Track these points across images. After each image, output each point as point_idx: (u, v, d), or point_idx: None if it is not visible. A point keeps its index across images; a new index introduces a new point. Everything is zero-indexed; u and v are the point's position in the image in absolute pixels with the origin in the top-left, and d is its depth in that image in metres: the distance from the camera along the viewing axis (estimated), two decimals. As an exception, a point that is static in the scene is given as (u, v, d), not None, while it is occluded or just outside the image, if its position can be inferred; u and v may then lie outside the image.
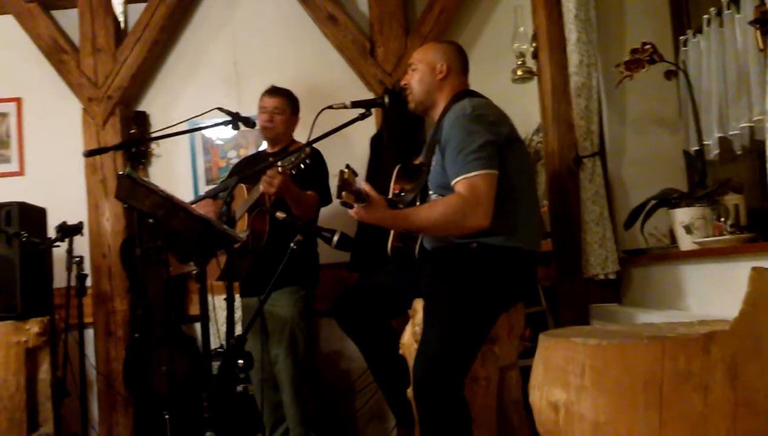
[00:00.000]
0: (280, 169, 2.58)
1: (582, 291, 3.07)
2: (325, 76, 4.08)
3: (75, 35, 4.09)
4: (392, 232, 2.72)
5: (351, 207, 2.24)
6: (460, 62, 2.67)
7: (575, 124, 2.96)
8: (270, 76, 3.87)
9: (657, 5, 3.06)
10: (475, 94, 2.62)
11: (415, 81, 2.64)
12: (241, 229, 3.09)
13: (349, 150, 4.01)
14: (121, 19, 3.80)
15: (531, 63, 3.35)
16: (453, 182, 2.36)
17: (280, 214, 2.30)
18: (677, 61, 2.84)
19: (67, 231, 3.19)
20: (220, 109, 3.27)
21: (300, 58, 4.13)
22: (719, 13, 2.60)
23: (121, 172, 2.12)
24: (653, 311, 2.58)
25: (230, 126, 3.26)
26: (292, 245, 2.22)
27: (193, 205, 3.02)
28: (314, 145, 3.38)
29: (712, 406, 1.14)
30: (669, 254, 2.55)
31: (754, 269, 1.19)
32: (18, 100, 4.11)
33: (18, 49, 4.09)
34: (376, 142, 3.82)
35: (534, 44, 3.25)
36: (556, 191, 3.14)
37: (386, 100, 2.79)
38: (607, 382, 1.21)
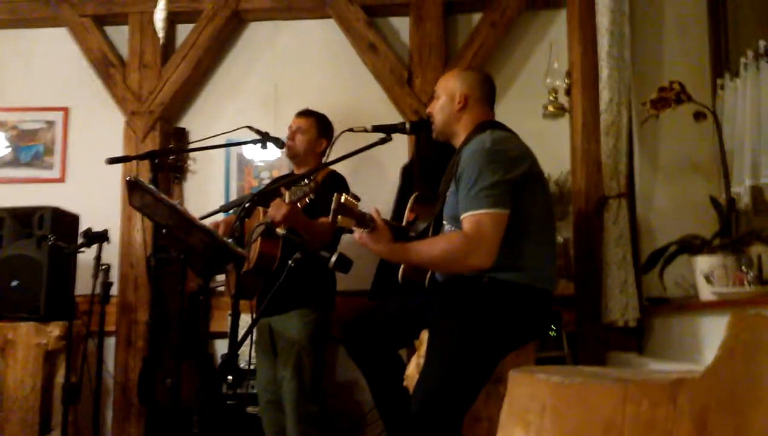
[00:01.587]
0: (287, 199, 2.56)
1: (601, 337, 2.95)
2: (361, 104, 4.10)
3: (124, 51, 4.21)
4: None
5: (350, 232, 2.22)
6: (483, 91, 2.62)
7: (603, 163, 2.88)
8: (308, 101, 3.91)
9: (697, 46, 2.98)
10: (498, 126, 2.57)
11: (437, 110, 2.62)
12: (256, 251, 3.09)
13: (381, 178, 4.01)
14: (160, 35, 3.89)
15: (564, 99, 3.29)
16: (462, 217, 2.32)
17: (279, 231, 2.29)
18: (714, 105, 2.74)
19: (92, 238, 3.24)
20: (249, 127, 3.33)
21: (338, 84, 4.16)
22: (757, 57, 2.51)
23: (128, 178, 2.14)
24: (670, 362, 2.46)
25: (259, 145, 3.33)
26: (290, 262, 2.19)
27: (212, 220, 3.07)
28: (338, 170, 3.42)
29: (674, 458, 1.06)
30: (688, 304, 2.44)
31: (734, 313, 1.10)
32: (65, 110, 4.23)
33: (69, 61, 4.23)
34: (407, 171, 3.80)
35: (567, 81, 3.19)
36: (581, 232, 3.06)
37: (407, 126, 2.78)
38: (567, 424, 1.14)
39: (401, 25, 4.17)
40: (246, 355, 3.72)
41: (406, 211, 2.78)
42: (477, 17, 4.07)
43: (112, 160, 2.69)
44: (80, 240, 3.41)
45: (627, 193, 2.86)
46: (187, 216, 2.13)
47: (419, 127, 2.78)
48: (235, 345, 2.50)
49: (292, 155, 3.44)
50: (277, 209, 2.89)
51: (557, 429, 1.14)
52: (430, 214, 2.71)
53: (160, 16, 3.71)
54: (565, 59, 3.35)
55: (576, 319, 3.07)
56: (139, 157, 2.78)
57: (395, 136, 3.03)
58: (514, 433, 1.21)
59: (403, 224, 2.75)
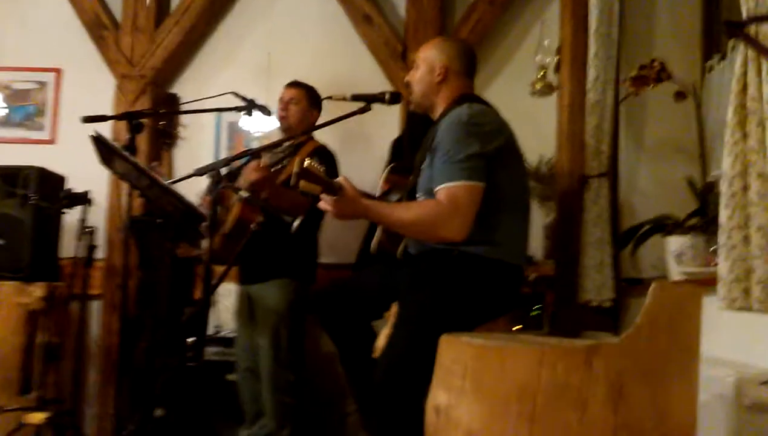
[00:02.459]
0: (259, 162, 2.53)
1: (577, 317, 2.92)
2: (355, 76, 4.06)
3: (119, 14, 4.18)
4: (380, 228, 2.66)
5: (314, 198, 2.18)
6: (463, 63, 2.58)
7: (585, 143, 2.84)
8: (301, 71, 3.89)
9: (688, 26, 2.91)
10: (476, 100, 2.54)
11: (415, 80, 2.58)
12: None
13: (370, 153, 3.98)
14: (149, -2, 3.87)
15: (554, 78, 3.23)
16: (435, 189, 2.28)
17: (242, 193, 2.26)
18: (702, 87, 2.69)
19: (73, 198, 3.24)
20: (235, 94, 3.30)
21: (332, 55, 4.12)
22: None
23: (91, 134, 2.13)
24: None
25: (243, 112, 3.30)
26: (252, 225, 2.17)
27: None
28: (329, 145, 3.40)
29: (588, 426, 1.03)
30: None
31: (657, 282, 1.08)
32: (58, 71, 4.22)
33: (63, 22, 4.19)
34: (396, 146, 3.76)
35: (557, 57, 3.14)
36: (563, 212, 3.02)
37: (387, 96, 2.73)
38: (485, 387, 1.12)
39: (398, -2, 4.11)
40: (229, 323, 3.76)
41: (380, 182, 2.75)
42: (475, -8, 4.01)
43: (88, 119, 2.68)
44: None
45: (609, 173, 2.81)
46: (148, 174, 2.11)
47: (399, 98, 2.74)
48: (202, 308, 2.48)
49: (286, 127, 3.42)
50: (251, 172, 2.87)
51: (476, 392, 1.12)
52: (404, 186, 2.68)
53: (149, -22, 3.67)
54: (557, 37, 3.29)
55: (555, 298, 3.04)
56: (116, 118, 2.77)
57: (387, 110, 3.02)
58: (438, 396, 1.19)
59: (378, 194, 2.72)
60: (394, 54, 3.94)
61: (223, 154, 4.14)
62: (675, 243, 2.24)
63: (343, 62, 4.11)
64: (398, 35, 3.98)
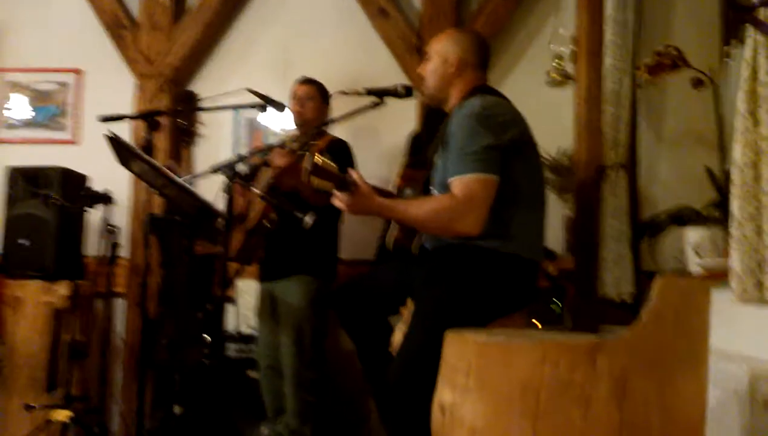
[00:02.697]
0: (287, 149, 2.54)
1: (597, 312, 2.88)
2: (370, 70, 4.05)
3: (137, 12, 4.21)
4: (394, 223, 2.65)
5: (329, 194, 2.17)
6: (477, 55, 2.55)
7: (603, 133, 2.80)
8: (317, 66, 3.91)
9: (707, 12, 2.85)
10: (490, 91, 2.51)
11: (428, 72, 2.56)
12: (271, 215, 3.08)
13: (386, 147, 3.98)
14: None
15: (570, 67, 3.19)
16: (449, 181, 2.27)
17: (255, 190, 2.27)
18: (721, 73, 2.63)
19: (94, 198, 3.28)
20: (249, 90, 3.30)
21: (348, 50, 4.12)
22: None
23: (106, 134, 2.15)
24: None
25: (258, 109, 3.31)
26: (264, 221, 2.18)
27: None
28: (344, 139, 3.41)
29: (592, 423, 1.02)
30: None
31: (662, 277, 1.06)
32: (78, 72, 4.26)
33: (83, 22, 4.23)
34: (414, 140, 3.75)
35: (573, 47, 3.09)
36: (582, 204, 2.98)
37: (400, 90, 2.72)
38: (489, 384, 1.11)
39: (414, -10, 4.10)
40: (249, 320, 3.78)
41: (395, 177, 2.74)
42: (491, -17, 3.97)
43: (105, 119, 2.70)
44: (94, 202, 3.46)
45: (627, 163, 2.76)
46: (163, 172, 2.12)
47: (412, 92, 2.73)
48: (219, 309, 2.50)
49: (302, 122, 3.43)
50: (278, 158, 2.88)
51: (479, 389, 1.11)
52: (419, 181, 2.67)
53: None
54: (573, 25, 3.25)
55: (575, 292, 3.01)
56: (132, 117, 2.78)
57: (403, 103, 3.01)
58: (443, 394, 1.19)
59: (391, 189, 2.71)
60: (410, 48, 3.92)
61: (242, 151, 4.15)
62: (693, 235, 2.20)
63: (358, 56, 4.10)
64: (414, 28, 3.96)
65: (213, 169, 2.78)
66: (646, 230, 2.41)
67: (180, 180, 2.16)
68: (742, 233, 1.34)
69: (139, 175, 2.42)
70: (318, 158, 2.01)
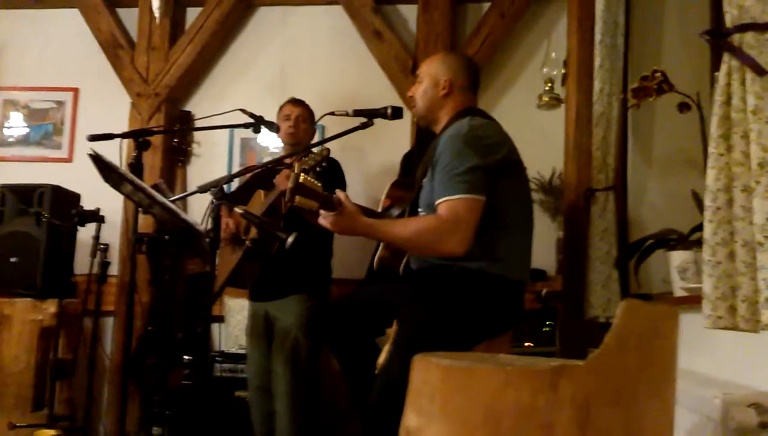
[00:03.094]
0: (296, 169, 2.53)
1: (584, 333, 2.86)
2: (365, 91, 4.06)
3: (135, 33, 4.25)
4: (382, 244, 2.65)
5: (312, 214, 2.17)
6: (467, 77, 2.56)
7: (592, 155, 2.79)
8: (313, 87, 3.93)
9: (696, 36, 2.83)
10: (479, 113, 2.52)
11: (419, 94, 2.56)
12: (254, 235, 3.08)
13: (381, 166, 3.99)
14: (156, 15, 3.91)
15: (561, 90, 3.20)
16: (435, 203, 2.26)
17: (237, 209, 2.26)
18: (710, 97, 2.63)
19: (84, 216, 3.28)
20: (242, 110, 3.31)
21: (344, 71, 4.15)
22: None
23: (89, 153, 2.15)
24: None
25: (251, 129, 3.32)
26: (247, 242, 2.17)
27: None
28: (335, 158, 3.41)
29: (554, 449, 1.00)
30: (663, 300, 2.34)
31: (626, 300, 1.04)
32: (75, 90, 4.28)
33: (80, 42, 4.27)
34: (407, 160, 3.76)
35: (564, 70, 3.10)
36: (570, 226, 2.97)
37: (389, 111, 2.73)
38: (453, 409, 1.09)
39: (410, 12, 4.13)
40: (240, 340, 3.76)
41: (382, 197, 2.74)
42: (486, 6, 4.01)
43: (94, 138, 2.71)
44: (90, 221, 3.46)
45: (616, 186, 2.75)
46: (146, 191, 2.12)
47: (401, 113, 2.74)
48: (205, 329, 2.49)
49: (294, 142, 3.43)
50: (283, 181, 2.88)
51: (443, 414, 1.10)
52: (405, 201, 2.66)
53: (156, -5, 3.72)
54: (565, 49, 3.26)
55: (563, 314, 2.99)
56: (121, 136, 2.78)
57: (398, 123, 3.02)
58: (409, 418, 1.17)
59: (379, 209, 2.70)
60: (405, 69, 3.94)
61: (236, 170, 4.16)
62: (678, 258, 2.18)
63: (354, 78, 4.12)
64: (408, 50, 3.99)
65: (200, 189, 2.79)
66: (631, 252, 2.39)
67: (162, 199, 2.15)
68: (715, 259, 1.32)
69: (124, 194, 2.41)
70: (302, 177, 2.01)
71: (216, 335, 4.02)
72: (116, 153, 3.95)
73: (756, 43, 1.31)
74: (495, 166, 2.28)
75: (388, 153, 3.97)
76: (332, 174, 3.21)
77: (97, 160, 2.13)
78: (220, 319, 3.98)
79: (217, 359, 3.66)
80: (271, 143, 4.18)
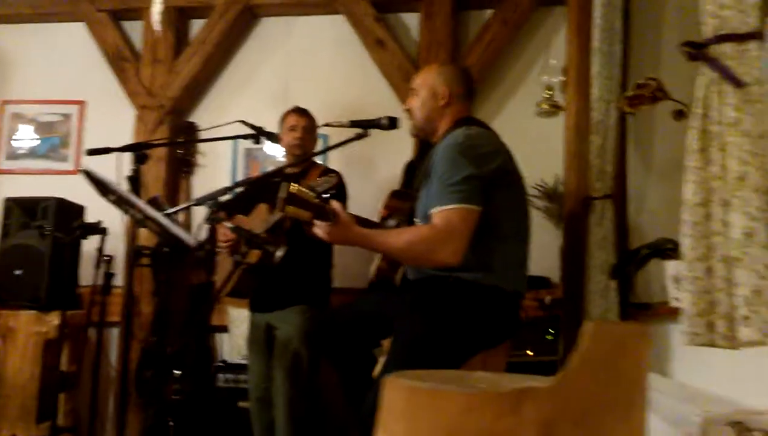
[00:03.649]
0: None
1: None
2: (368, 100, 4.06)
3: (141, 46, 4.27)
4: (378, 254, 2.64)
5: (307, 223, 2.16)
6: (464, 87, 2.56)
7: (590, 163, 2.76)
8: (317, 96, 3.94)
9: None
10: (475, 123, 2.51)
11: (416, 106, 2.55)
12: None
13: (382, 176, 3.98)
14: (157, 29, 3.93)
15: (561, 97, 3.17)
16: (430, 212, 2.25)
17: (227, 224, 2.26)
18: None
19: (87, 229, 3.30)
20: (242, 122, 3.32)
21: (347, 81, 4.15)
22: None
23: (80, 169, 2.16)
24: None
25: (251, 140, 3.32)
26: (235, 256, 2.17)
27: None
28: (337, 170, 3.41)
29: (517, 473, 0.98)
30: (660, 309, 2.31)
31: (590, 322, 1.02)
32: (81, 103, 4.32)
33: (86, 55, 4.31)
34: (408, 170, 3.74)
35: (563, 77, 3.08)
36: (570, 234, 2.94)
37: (385, 122, 2.72)
38: (418, 431, 1.07)
39: (412, 20, 4.13)
40: (244, 350, 3.76)
41: (380, 207, 2.73)
42: (489, 13, 3.99)
43: (92, 152, 2.72)
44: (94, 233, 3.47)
45: (615, 194, 2.72)
46: (135, 205, 2.13)
47: (396, 123, 2.73)
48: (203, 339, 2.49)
49: (300, 153, 3.42)
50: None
51: (409, 435, 1.08)
52: (403, 211, 2.65)
53: (157, 9, 3.74)
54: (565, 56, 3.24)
55: (563, 323, 2.96)
56: (119, 150, 2.79)
57: (400, 134, 3.01)
58: (378, 439, 1.16)
59: (377, 220, 2.69)
60: (407, 77, 3.89)
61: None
62: (672, 267, 2.15)
63: (357, 87, 4.13)
64: (411, 58, 3.98)
65: (197, 202, 2.79)
66: (627, 262, 2.36)
67: (152, 213, 2.16)
68: (693, 274, 1.30)
69: (120, 208, 2.42)
70: (293, 187, 2.00)
71: (220, 345, 4.03)
72: (121, 166, 4.03)
73: (735, 54, 1.29)
74: (490, 175, 2.26)
75: (397, 163, 3.94)
76: (338, 189, 3.21)
77: (89, 175, 2.14)
78: (224, 329, 3.98)
79: (220, 369, 3.67)
80: (278, 153, 4.18)
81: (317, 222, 2.25)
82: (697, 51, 1.35)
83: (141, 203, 2.19)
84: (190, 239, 2.19)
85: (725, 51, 1.28)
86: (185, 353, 3.09)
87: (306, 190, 2.11)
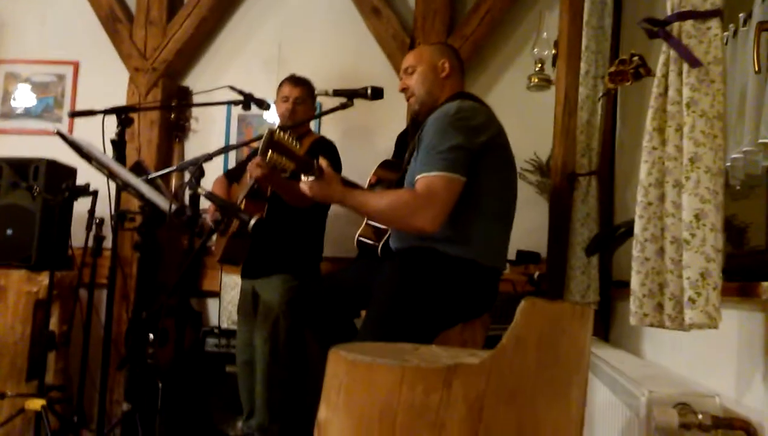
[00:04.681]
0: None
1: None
2: (363, 68, 4.03)
3: (134, 7, 4.24)
4: (365, 220, 2.65)
5: (292, 173, 2.14)
6: (458, 61, 2.58)
7: (576, 139, 2.74)
8: (311, 63, 3.91)
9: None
10: (469, 97, 2.50)
11: (417, 82, 2.53)
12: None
13: (376, 146, 3.96)
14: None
15: (552, 71, 3.13)
16: (415, 178, 2.25)
17: (200, 190, 2.26)
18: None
19: (76, 191, 3.30)
20: (231, 87, 3.30)
21: (342, 47, 4.11)
22: (735, 32, 2.30)
23: (55, 130, 2.16)
24: (616, 350, 2.34)
25: (240, 106, 3.31)
26: (210, 222, 2.17)
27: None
28: (329, 138, 3.41)
29: (446, 448, 0.99)
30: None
31: (527, 298, 1.02)
32: (75, 64, 4.30)
33: (81, 15, 4.27)
34: (401, 139, 3.72)
35: (554, 51, 3.04)
36: (554, 211, 2.93)
37: (369, 92, 2.72)
38: (354, 404, 1.08)
39: (409, -11, 4.07)
40: (234, 315, 3.79)
41: (370, 175, 2.74)
42: (487, -17, 3.93)
43: (74, 114, 2.73)
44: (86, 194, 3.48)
45: (600, 171, 2.70)
46: (110, 168, 2.13)
47: (381, 94, 2.72)
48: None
49: (291, 123, 3.41)
50: (254, 168, 2.89)
51: (346, 408, 1.09)
52: (391, 181, 2.66)
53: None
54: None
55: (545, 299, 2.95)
56: (103, 112, 2.79)
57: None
58: (320, 411, 1.16)
59: (366, 187, 2.70)
60: (403, 46, 3.89)
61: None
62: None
63: (352, 54, 4.10)
64: (407, 27, 3.94)
65: (178, 167, 2.80)
66: (605, 239, 2.35)
67: (127, 177, 2.16)
68: (644, 255, 1.28)
69: (102, 172, 2.43)
70: (277, 133, 1.98)
71: (211, 310, 4.07)
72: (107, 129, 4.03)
73: (695, 33, 1.26)
74: (479, 148, 2.26)
75: (387, 132, 3.93)
76: (328, 156, 3.20)
77: (64, 138, 2.14)
78: (215, 294, 4.01)
79: (208, 333, 3.70)
80: (275, 120, 4.16)
81: (303, 176, 2.25)
82: (657, 28, 1.32)
83: (116, 167, 2.19)
84: (166, 204, 2.18)
85: (686, 29, 1.26)
86: (163, 316, 3.11)
87: (291, 140, 2.09)
